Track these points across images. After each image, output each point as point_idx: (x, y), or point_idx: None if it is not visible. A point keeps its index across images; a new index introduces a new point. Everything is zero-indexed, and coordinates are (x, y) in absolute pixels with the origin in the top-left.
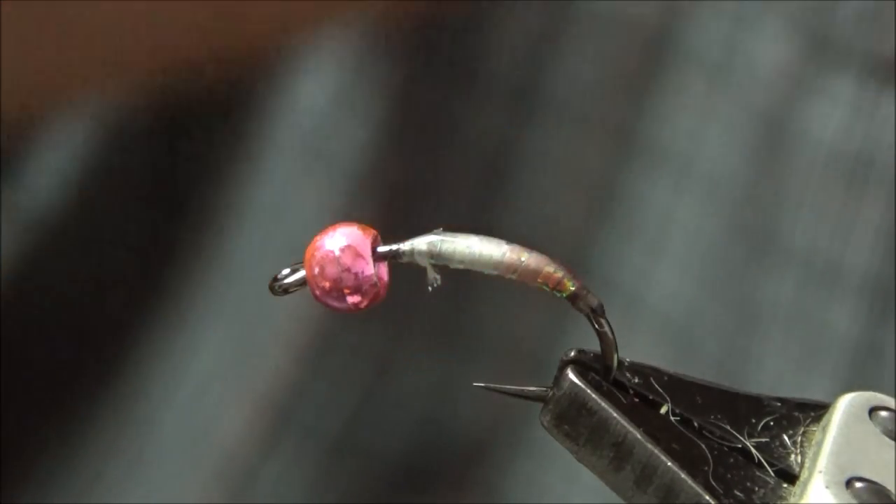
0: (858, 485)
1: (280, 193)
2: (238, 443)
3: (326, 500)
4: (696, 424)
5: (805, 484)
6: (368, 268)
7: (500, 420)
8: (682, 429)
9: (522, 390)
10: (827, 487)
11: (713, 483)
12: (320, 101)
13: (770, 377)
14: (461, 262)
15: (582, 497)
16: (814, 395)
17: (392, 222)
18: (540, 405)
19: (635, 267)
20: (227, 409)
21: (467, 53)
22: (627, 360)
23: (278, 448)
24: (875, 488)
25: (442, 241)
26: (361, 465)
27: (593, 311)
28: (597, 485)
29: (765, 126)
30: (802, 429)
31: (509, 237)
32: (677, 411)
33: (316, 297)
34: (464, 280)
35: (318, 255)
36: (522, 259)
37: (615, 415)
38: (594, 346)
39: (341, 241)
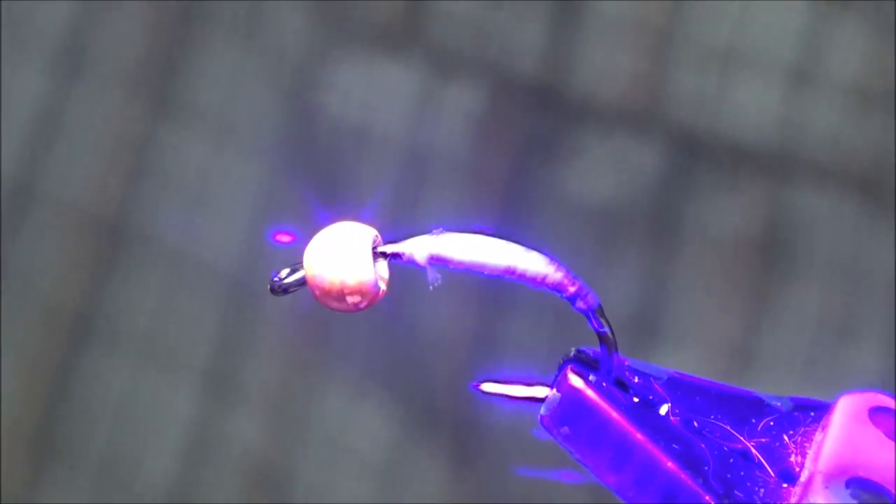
0: (858, 485)
1: None
2: None
3: None
4: (695, 424)
5: (805, 484)
6: (368, 267)
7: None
8: (682, 429)
9: (522, 391)
10: (827, 487)
11: (713, 483)
12: None
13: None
14: (461, 262)
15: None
16: None
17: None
18: (539, 406)
19: (179, 222)
20: None
21: (7, 10)
22: (628, 360)
23: None
24: (875, 488)
25: (442, 241)
26: None
27: (593, 310)
28: (597, 484)
29: (287, 90)
30: (802, 429)
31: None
32: (677, 411)
33: (316, 297)
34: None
35: (317, 255)
36: (522, 260)
37: (615, 415)
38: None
39: (341, 241)
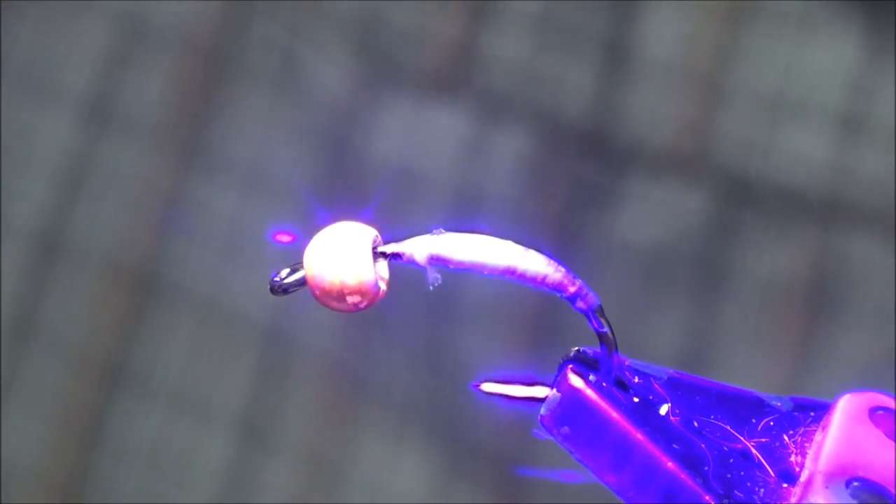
0: (858, 485)
1: None
2: None
3: None
4: (696, 424)
5: (805, 484)
6: (368, 267)
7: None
8: (682, 429)
9: (522, 391)
10: (827, 487)
11: (713, 483)
12: None
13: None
14: (461, 262)
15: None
16: None
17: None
18: (539, 406)
19: (209, 272)
20: None
21: (38, 65)
22: (628, 360)
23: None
24: (875, 488)
25: (441, 241)
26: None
27: (593, 310)
28: (597, 485)
29: (327, 138)
30: (802, 429)
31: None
32: (677, 411)
33: (316, 297)
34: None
35: (317, 254)
36: (522, 260)
37: (615, 415)
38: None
39: (341, 241)
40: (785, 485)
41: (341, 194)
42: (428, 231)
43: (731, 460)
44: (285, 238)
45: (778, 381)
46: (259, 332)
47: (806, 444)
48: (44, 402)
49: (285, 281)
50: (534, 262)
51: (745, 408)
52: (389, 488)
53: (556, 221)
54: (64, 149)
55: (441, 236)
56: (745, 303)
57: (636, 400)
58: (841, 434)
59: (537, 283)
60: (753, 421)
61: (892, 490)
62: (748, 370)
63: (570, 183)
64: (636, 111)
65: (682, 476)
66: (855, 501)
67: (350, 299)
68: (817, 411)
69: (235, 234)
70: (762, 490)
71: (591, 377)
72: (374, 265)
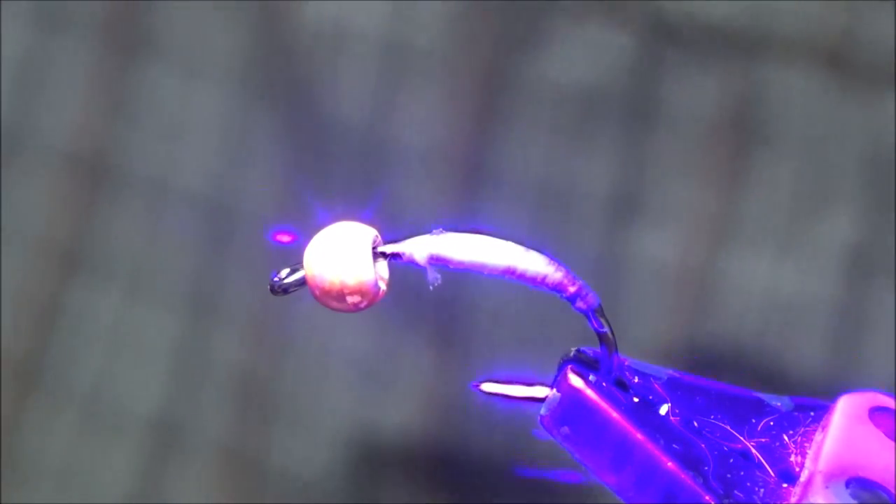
0: (858, 485)
1: None
2: None
3: None
4: (696, 424)
5: (805, 484)
6: (368, 267)
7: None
8: (682, 429)
9: (522, 391)
10: (827, 487)
11: (713, 483)
12: None
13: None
14: (461, 262)
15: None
16: None
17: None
18: (540, 406)
19: (159, 155)
20: None
21: None
22: (628, 360)
23: None
24: (875, 488)
25: (441, 241)
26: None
27: (593, 310)
28: (597, 484)
29: (259, 7)
30: (802, 429)
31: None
32: (677, 411)
33: (316, 297)
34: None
35: (317, 255)
36: (522, 260)
37: (615, 415)
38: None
39: (341, 241)
40: (785, 485)
41: (278, 63)
42: (428, 231)
43: (731, 460)
44: (285, 238)
45: (710, 209)
46: (206, 208)
47: (806, 444)
48: (0, 289)
49: (285, 281)
50: (534, 263)
51: (745, 408)
52: (336, 353)
53: (484, 66)
54: (12, 45)
55: (441, 236)
56: (674, 137)
57: (636, 400)
58: (841, 434)
59: (537, 283)
60: (753, 421)
61: (892, 490)
62: (681, 199)
63: (496, 27)
64: None
65: (682, 476)
66: (855, 501)
67: (350, 299)
68: (817, 411)
69: (179, 116)
70: (762, 490)
71: (591, 377)
72: (374, 265)
